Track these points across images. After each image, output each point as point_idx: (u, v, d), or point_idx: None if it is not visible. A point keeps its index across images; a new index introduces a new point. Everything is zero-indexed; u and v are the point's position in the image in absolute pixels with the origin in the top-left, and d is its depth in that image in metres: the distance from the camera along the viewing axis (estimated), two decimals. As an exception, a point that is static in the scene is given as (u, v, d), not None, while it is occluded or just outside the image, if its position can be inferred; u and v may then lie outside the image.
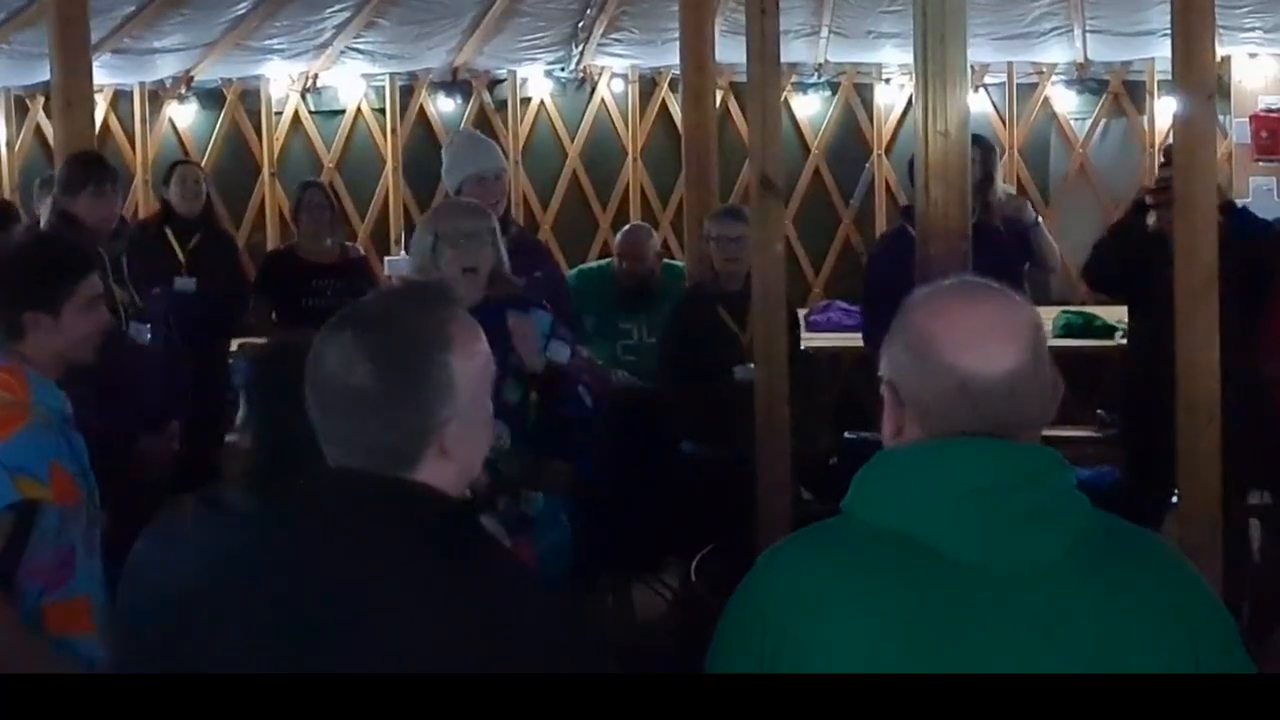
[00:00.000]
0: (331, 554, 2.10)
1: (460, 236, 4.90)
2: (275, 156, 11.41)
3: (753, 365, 6.07)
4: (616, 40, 11.15)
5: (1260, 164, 10.49)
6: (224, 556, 2.23)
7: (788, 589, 2.20)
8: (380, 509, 2.13)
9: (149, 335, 6.71)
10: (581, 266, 9.01)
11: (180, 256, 8.30)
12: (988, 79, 11.02)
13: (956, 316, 2.24)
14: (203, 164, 10.95)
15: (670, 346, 7.23)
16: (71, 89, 6.86)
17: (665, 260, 8.57)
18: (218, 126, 11.45)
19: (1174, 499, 5.95)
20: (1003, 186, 8.46)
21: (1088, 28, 10.66)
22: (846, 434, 7.87)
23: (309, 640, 2.05)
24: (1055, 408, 2.28)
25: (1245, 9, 10.08)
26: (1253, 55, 10.63)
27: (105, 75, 10.43)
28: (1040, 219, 8.35)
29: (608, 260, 8.95)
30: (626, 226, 8.87)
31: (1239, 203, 10.17)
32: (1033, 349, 2.22)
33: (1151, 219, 6.84)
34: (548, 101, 11.40)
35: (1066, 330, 9.75)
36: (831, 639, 2.13)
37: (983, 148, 7.39)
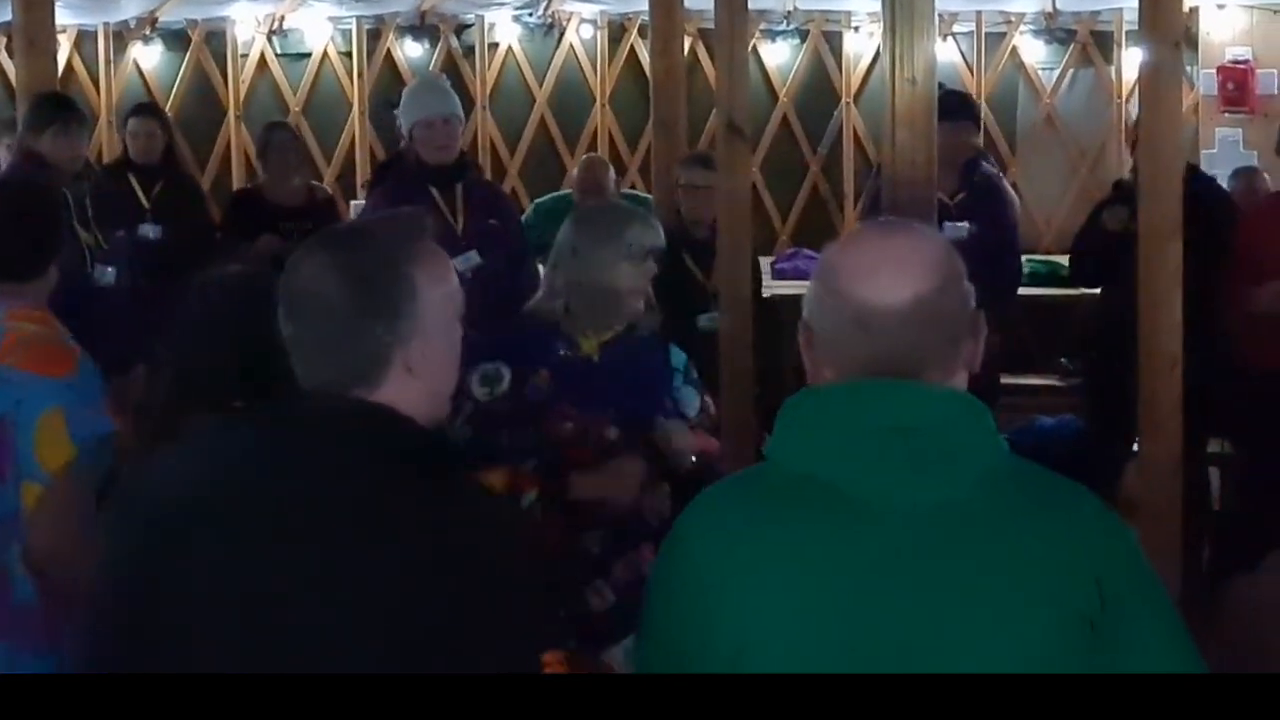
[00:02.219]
0: (296, 475, 2.12)
1: (644, 254, 4.25)
2: (241, 99, 11.34)
3: (718, 314, 6.08)
4: (585, -15, 11.13)
5: (1226, 115, 10.52)
6: (191, 480, 2.24)
7: (708, 536, 2.21)
8: (345, 430, 2.16)
9: (113, 277, 6.69)
10: (538, 201, 8.98)
11: (144, 202, 8.26)
12: (956, 28, 11.02)
13: (859, 249, 2.26)
14: (167, 106, 10.91)
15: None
16: (33, 28, 6.79)
17: (626, 190, 8.58)
18: (183, 69, 11.38)
19: (1135, 448, 6.01)
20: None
21: (1056, -23, 10.69)
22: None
23: (274, 563, 2.08)
24: (976, 351, 2.25)
25: (1213, -40, 10.12)
26: (1221, 6, 10.65)
27: (68, 15, 10.34)
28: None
29: (566, 192, 8.96)
30: (584, 159, 8.95)
31: (1203, 153, 10.29)
32: (939, 284, 2.18)
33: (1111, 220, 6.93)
34: (516, 47, 11.36)
35: (1031, 279, 9.78)
36: (751, 587, 2.14)
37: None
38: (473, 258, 6.06)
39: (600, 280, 4.17)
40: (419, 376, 2.20)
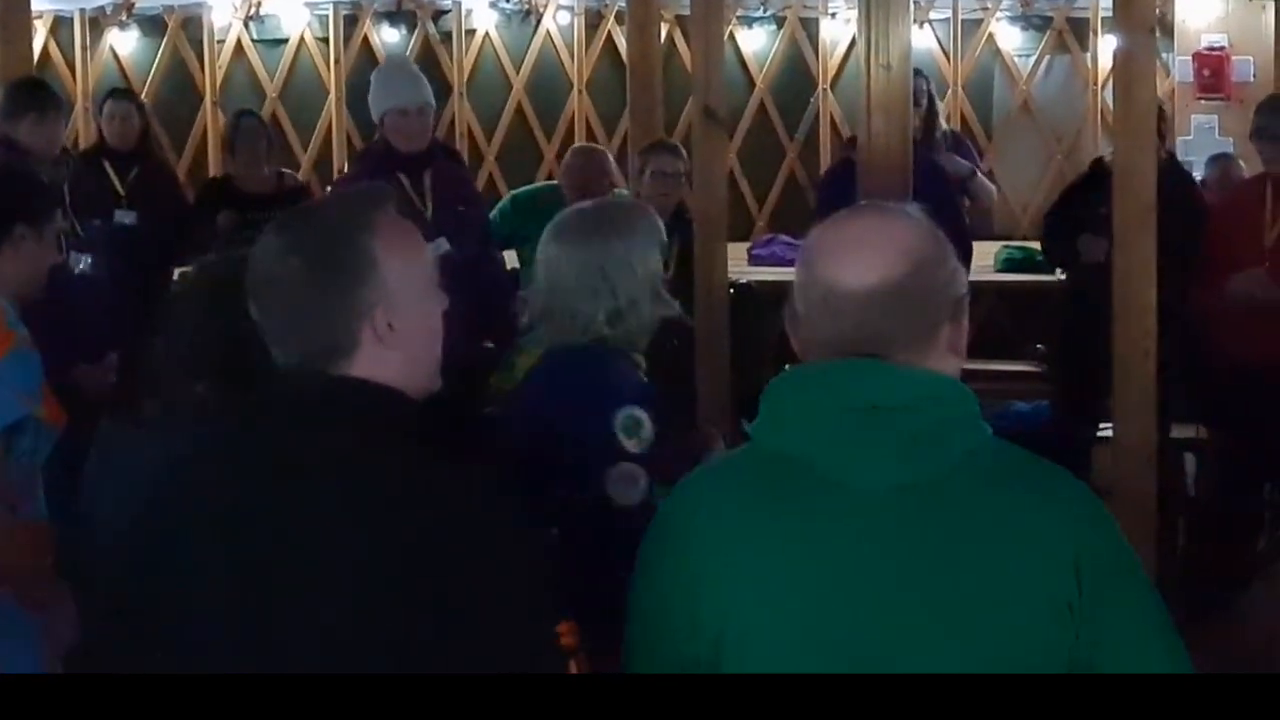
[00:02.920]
0: (277, 458, 2.13)
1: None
2: (218, 86, 11.30)
3: (674, 303, 6.08)
4: (562, -28, 11.12)
5: (1202, 102, 10.53)
6: (173, 467, 2.25)
7: (692, 515, 2.23)
8: (322, 406, 2.16)
9: (90, 265, 6.67)
10: (515, 192, 8.92)
11: (119, 189, 8.21)
12: (932, 14, 11.02)
13: (835, 230, 2.26)
14: (144, 93, 10.87)
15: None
16: (9, 14, 6.79)
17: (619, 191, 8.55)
18: (159, 55, 11.34)
19: (1100, 433, 6.05)
20: (944, 127, 8.53)
21: (1033, -36, 10.70)
22: (788, 367, 7.91)
23: (265, 545, 2.08)
24: (961, 335, 2.25)
25: (1189, -53, 10.13)
26: (1196, -8, 10.68)
27: (44, 1, 10.32)
28: (976, 171, 8.43)
29: (545, 184, 8.91)
30: (580, 148, 8.65)
31: (1179, 139, 10.31)
32: (910, 268, 2.18)
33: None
34: (493, 33, 11.34)
35: (1007, 265, 9.81)
36: (734, 566, 2.16)
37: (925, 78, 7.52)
38: (442, 245, 6.05)
39: (656, 283, 3.67)
40: (392, 346, 2.18)
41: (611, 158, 8.37)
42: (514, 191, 8.83)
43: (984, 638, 2.11)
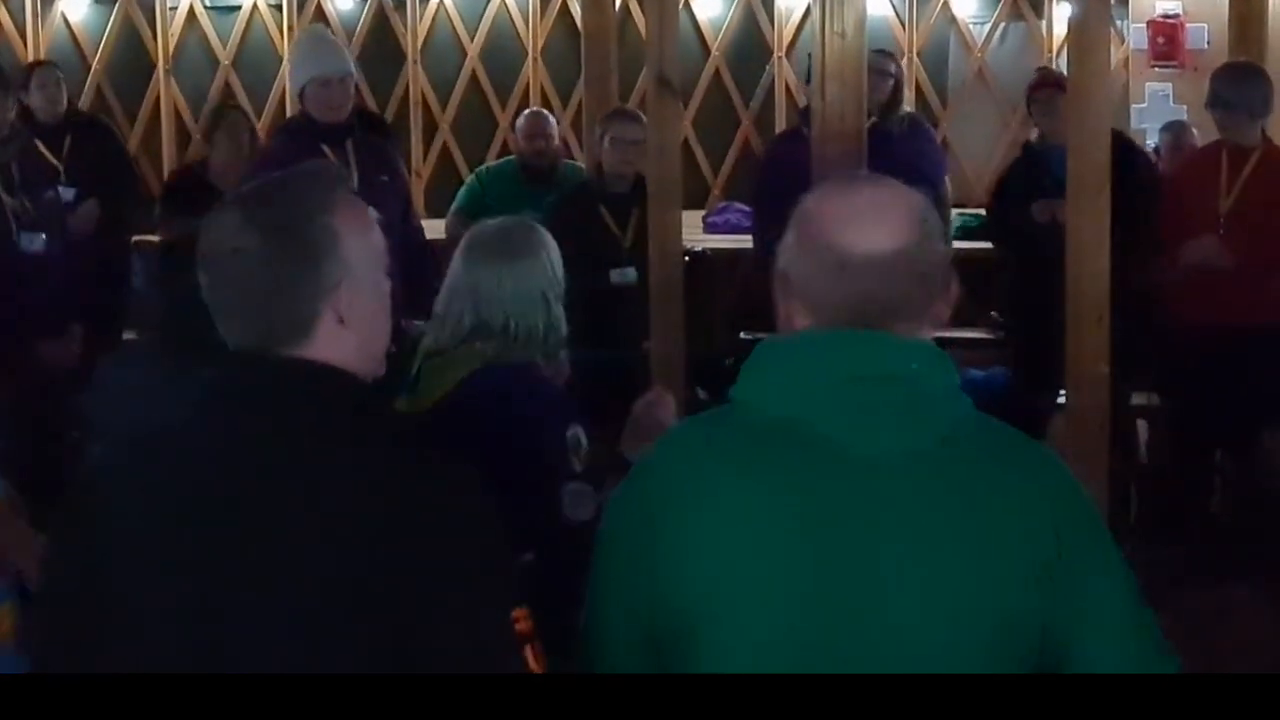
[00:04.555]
0: (233, 440, 2.11)
1: None
2: (170, 53, 11.22)
3: (631, 270, 6.11)
4: (516, -62, 11.06)
5: (1157, 69, 10.55)
6: (129, 444, 2.24)
7: (669, 478, 2.23)
8: (280, 390, 2.13)
9: (43, 244, 6.61)
10: (479, 169, 8.98)
11: (55, 162, 8.04)
12: (888, -19, 11.02)
13: (841, 198, 2.28)
14: (95, 60, 10.80)
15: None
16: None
17: (569, 161, 8.61)
18: (111, 22, 11.23)
19: (1060, 400, 6.07)
20: (904, 110, 8.56)
21: (988, -69, 10.69)
22: (743, 334, 7.92)
23: (219, 532, 2.06)
24: (947, 307, 2.29)
25: (1143, -87, 10.14)
26: (1151, -40, 10.69)
27: (-7, -32, 10.23)
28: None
29: (507, 159, 8.99)
30: (527, 112, 8.97)
31: (1133, 107, 10.34)
32: (919, 235, 2.23)
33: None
34: (447, 0, 11.28)
35: (962, 233, 9.81)
36: (710, 522, 2.17)
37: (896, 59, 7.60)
38: (370, 213, 6.01)
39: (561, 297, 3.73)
40: (350, 327, 2.16)
41: (553, 120, 8.68)
42: (478, 169, 8.89)
43: (968, 597, 2.15)
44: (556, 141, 8.53)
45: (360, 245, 2.19)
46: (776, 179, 6.53)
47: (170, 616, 2.06)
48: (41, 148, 8.00)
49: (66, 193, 7.86)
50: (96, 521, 2.15)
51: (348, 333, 2.16)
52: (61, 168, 8.06)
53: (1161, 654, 2.27)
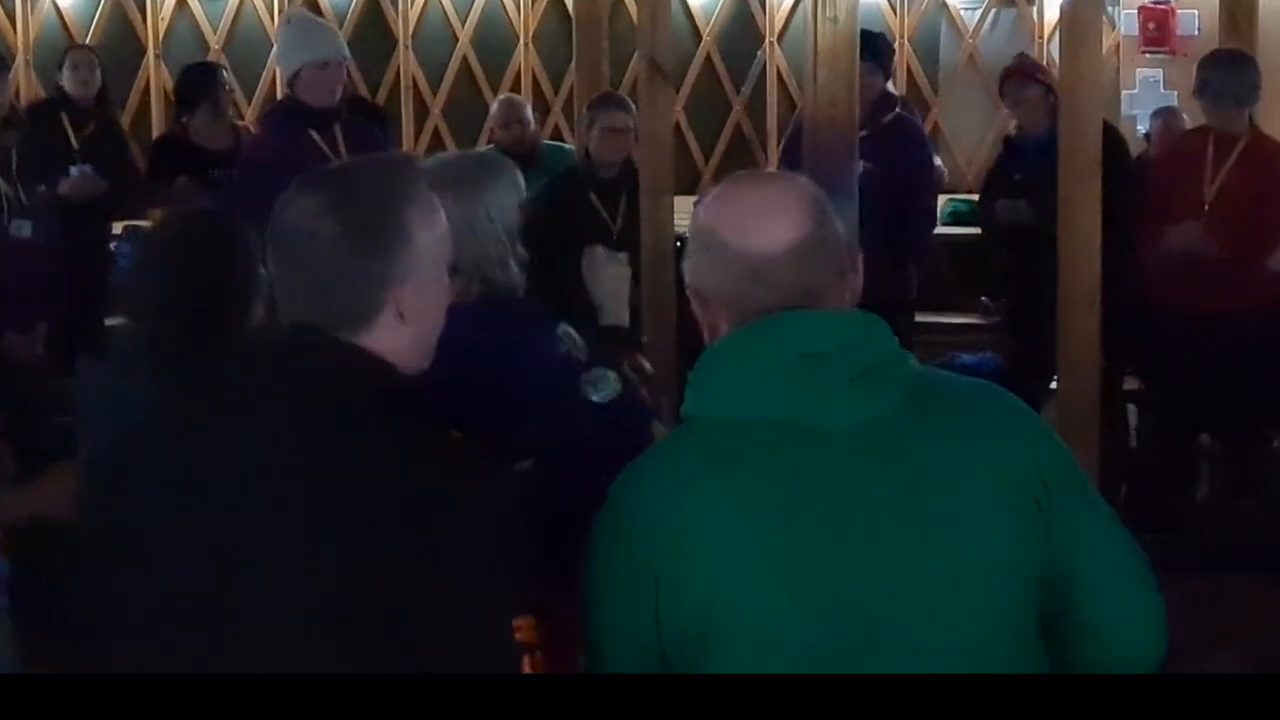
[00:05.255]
0: (265, 416, 2.10)
1: None
2: (160, 38, 11.20)
3: (623, 255, 6.09)
4: (508, -78, 11.05)
5: (1147, 56, 10.57)
6: (158, 414, 2.24)
7: (649, 504, 2.22)
8: (325, 370, 2.13)
9: (30, 231, 6.61)
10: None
11: (74, 143, 8.11)
12: (879, -32, 11.02)
13: (733, 204, 2.31)
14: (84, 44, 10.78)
15: (538, 223, 7.19)
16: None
17: (549, 142, 8.61)
18: (101, 6, 11.21)
19: (1053, 385, 6.09)
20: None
21: (979, -83, 10.69)
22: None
23: (244, 507, 2.06)
24: (857, 281, 2.34)
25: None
26: (1141, -54, 10.69)
27: (-17, -49, 10.20)
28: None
29: (489, 146, 8.99)
30: (503, 98, 9.10)
31: (1124, 93, 10.36)
32: (815, 221, 2.27)
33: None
34: (439, -16, 11.28)
35: (952, 218, 9.84)
36: (700, 535, 2.17)
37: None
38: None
39: (515, 235, 3.74)
40: (409, 322, 2.17)
41: (528, 105, 8.81)
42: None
43: (967, 548, 2.18)
44: (533, 126, 8.58)
45: (431, 241, 2.20)
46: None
47: (186, 584, 2.06)
48: (67, 126, 8.12)
49: (83, 169, 7.89)
50: (116, 506, 2.15)
51: (405, 327, 2.17)
52: (78, 148, 8.09)
53: (1150, 581, 2.33)
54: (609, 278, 3.93)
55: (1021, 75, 7.46)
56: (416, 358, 2.22)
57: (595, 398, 3.57)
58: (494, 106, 8.80)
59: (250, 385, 2.14)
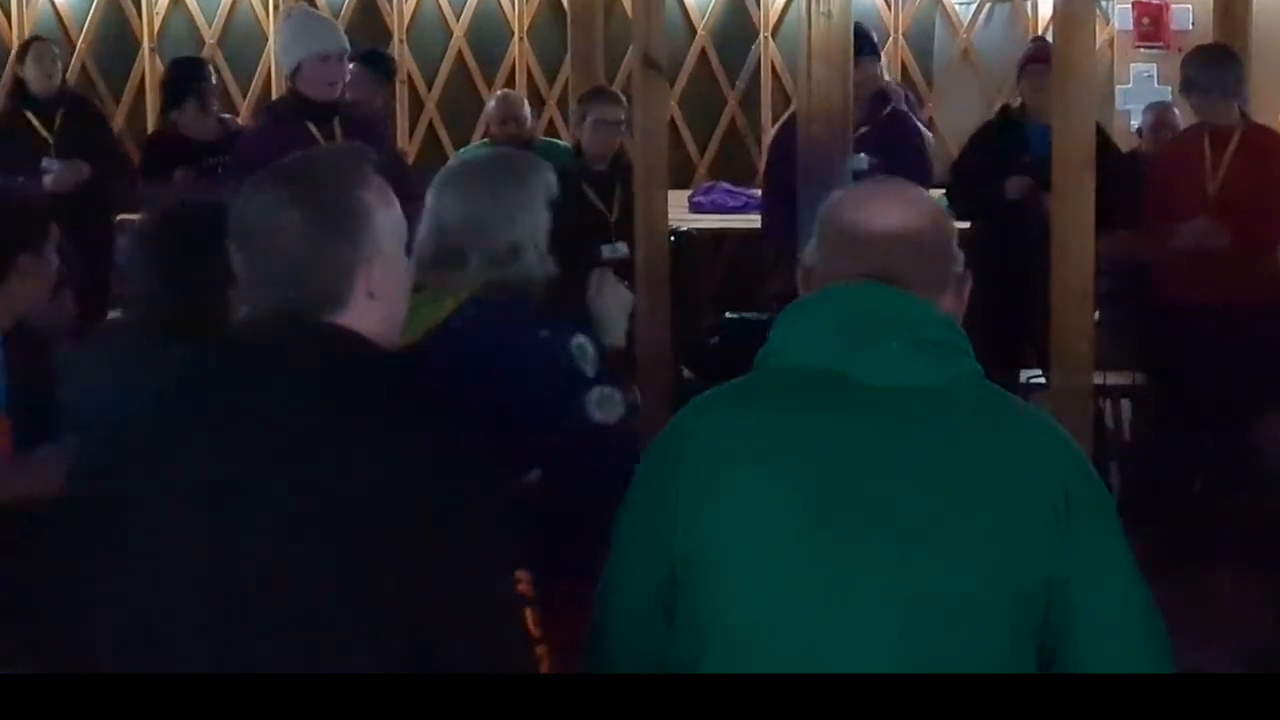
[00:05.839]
0: (261, 399, 2.15)
1: None
2: (155, 32, 11.20)
3: (621, 244, 6.11)
4: (503, -83, 11.04)
5: (1141, 50, 10.57)
6: (156, 399, 2.27)
7: (696, 428, 2.33)
8: (312, 348, 2.20)
9: None
10: (462, 150, 9.00)
11: (46, 136, 8.10)
12: (874, -38, 11.01)
13: (861, 190, 2.54)
14: (80, 38, 10.78)
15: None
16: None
17: (544, 138, 8.62)
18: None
19: (1021, 378, 6.10)
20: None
21: (974, -90, 10.70)
22: (727, 314, 7.95)
23: (234, 485, 2.11)
24: (961, 303, 2.41)
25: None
26: (1136, -59, 10.69)
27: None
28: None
29: (483, 141, 9.00)
30: (499, 94, 9.07)
31: (1118, 88, 10.36)
32: (928, 222, 2.39)
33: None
34: (433, -22, 11.27)
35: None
36: (730, 463, 2.26)
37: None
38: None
39: (543, 235, 3.72)
40: (379, 299, 2.25)
41: (525, 102, 8.76)
42: (459, 150, 8.93)
43: (982, 535, 2.21)
44: (529, 123, 8.56)
45: (389, 220, 2.29)
46: (785, 163, 6.55)
47: (189, 572, 2.10)
48: (34, 121, 8.09)
49: (52, 164, 7.88)
50: (108, 499, 2.18)
51: (376, 304, 2.25)
52: (52, 142, 8.08)
53: (1155, 619, 2.32)
54: (613, 301, 3.96)
55: (1045, 62, 7.40)
56: (389, 333, 2.31)
57: (598, 417, 3.55)
58: (491, 102, 8.79)
59: (241, 373, 2.19)
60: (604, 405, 3.55)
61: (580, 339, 3.59)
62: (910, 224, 2.37)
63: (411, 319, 3.56)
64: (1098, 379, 6.55)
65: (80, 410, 3.23)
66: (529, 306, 3.59)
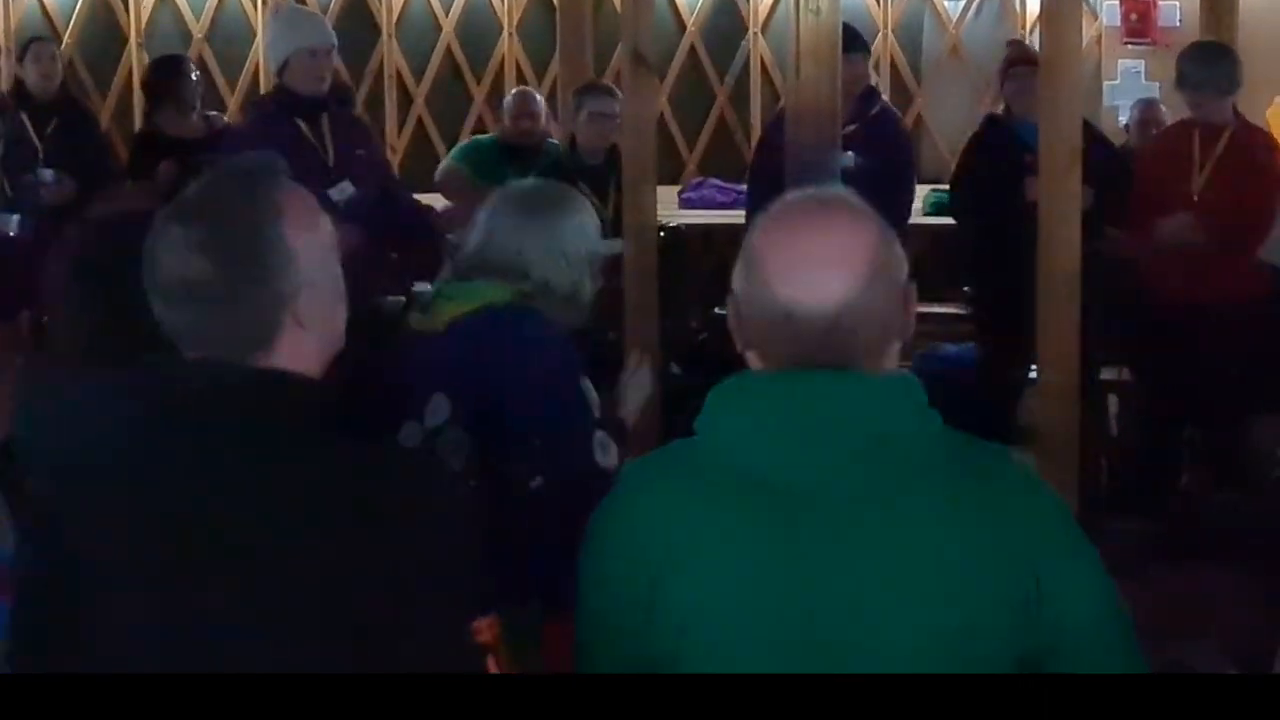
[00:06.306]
0: (198, 449, 2.07)
1: None
2: (143, 28, 11.18)
3: (618, 240, 6.11)
4: (492, -88, 11.03)
5: (1129, 46, 10.59)
6: (87, 449, 2.20)
7: (643, 518, 2.21)
8: (246, 399, 2.10)
9: (17, 225, 6.59)
10: (463, 147, 8.99)
11: (37, 143, 7.96)
12: (863, -42, 11.02)
13: (787, 242, 2.18)
14: (67, 34, 10.75)
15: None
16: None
17: (552, 140, 8.63)
18: (83, -5, 11.21)
19: (1032, 374, 6.11)
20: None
21: (962, -94, 10.70)
22: (716, 310, 7.96)
23: (178, 539, 2.04)
24: (909, 323, 2.23)
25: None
26: (1124, -63, 10.70)
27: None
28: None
29: (487, 135, 9.02)
30: (517, 90, 9.05)
31: (1106, 84, 10.38)
32: (867, 277, 2.14)
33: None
34: (422, -26, 11.27)
35: (936, 209, 9.84)
36: (689, 569, 2.16)
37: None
38: (347, 188, 6.01)
39: (594, 263, 3.94)
40: (311, 328, 2.13)
41: (541, 99, 8.65)
42: (454, 150, 8.94)
43: (946, 637, 2.12)
44: (544, 122, 8.48)
45: (312, 245, 2.15)
46: (770, 161, 6.56)
47: (144, 621, 2.04)
48: (27, 123, 7.96)
49: (45, 174, 7.82)
50: (63, 540, 2.12)
51: (308, 334, 2.14)
52: (41, 150, 7.94)
53: (1136, 665, 2.24)
54: (638, 388, 4.12)
55: (1027, 64, 7.39)
56: (327, 349, 2.19)
57: (601, 460, 3.70)
58: (507, 99, 8.73)
59: (176, 427, 2.10)
60: (607, 451, 3.72)
61: (585, 382, 3.78)
62: (852, 293, 2.12)
63: (442, 306, 3.74)
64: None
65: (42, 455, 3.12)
66: (546, 321, 3.73)
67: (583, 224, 3.84)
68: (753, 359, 2.22)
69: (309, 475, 2.06)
